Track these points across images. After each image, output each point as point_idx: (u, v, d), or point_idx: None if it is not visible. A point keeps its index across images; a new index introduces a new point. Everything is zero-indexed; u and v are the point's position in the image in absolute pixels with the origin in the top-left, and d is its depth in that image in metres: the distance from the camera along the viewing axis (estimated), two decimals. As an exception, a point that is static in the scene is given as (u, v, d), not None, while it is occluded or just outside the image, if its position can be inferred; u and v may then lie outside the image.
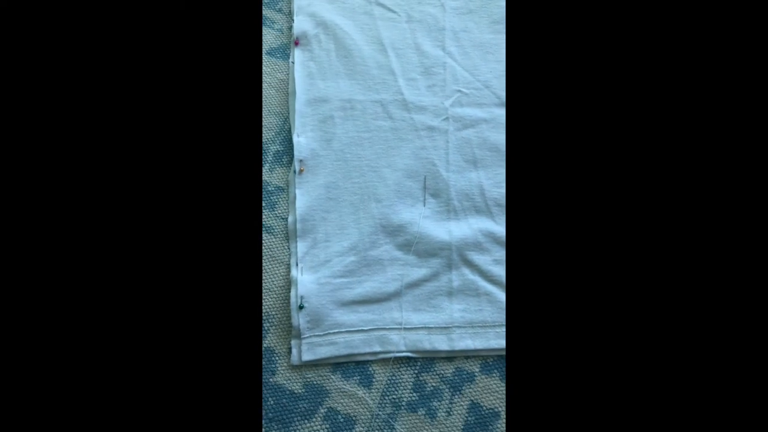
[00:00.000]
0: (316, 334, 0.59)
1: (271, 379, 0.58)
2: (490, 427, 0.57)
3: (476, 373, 0.59)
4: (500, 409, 0.58)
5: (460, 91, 0.72)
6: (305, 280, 0.61)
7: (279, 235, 0.64)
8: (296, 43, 0.74)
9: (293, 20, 0.75)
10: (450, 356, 0.60)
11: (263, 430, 0.56)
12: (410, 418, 0.57)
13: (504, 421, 0.57)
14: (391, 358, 0.59)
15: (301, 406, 0.57)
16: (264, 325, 0.60)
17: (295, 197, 0.65)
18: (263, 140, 0.69)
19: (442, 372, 0.59)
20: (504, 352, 0.60)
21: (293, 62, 0.73)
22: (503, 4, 0.77)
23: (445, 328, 0.60)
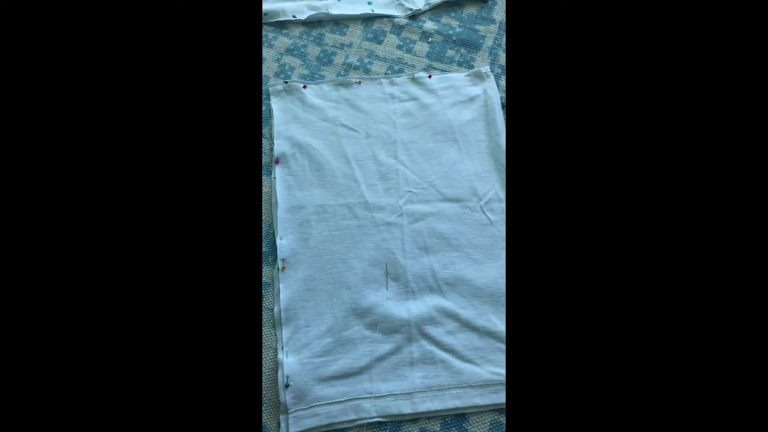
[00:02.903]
0: (301, 408, 0.67)
1: (264, 452, 0.65)
2: (453, 479, 0.64)
3: (437, 431, 0.67)
4: (461, 462, 0.65)
5: (410, 191, 0.86)
6: (290, 362, 0.70)
7: (267, 324, 0.74)
8: (277, 162, 0.88)
9: (274, 143, 0.90)
10: (414, 418, 0.68)
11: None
12: (384, 477, 0.64)
13: (466, 473, 0.64)
14: (364, 423, 0.67)
15: (290, 474, 0.64)
16: (257, 403, 0.68)
17: (279, 291, 0.75)
18: (252, 243, 0.81)
19: (409, 433, 0.67)
20: (459, 411, 0.68)
21: (275, 177, 0.86)
22: (442, 119, 0.93)
23: (408, 393, 0.68)
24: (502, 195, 0.85)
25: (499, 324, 0.73)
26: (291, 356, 0.71)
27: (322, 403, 0.67)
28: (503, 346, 0.72)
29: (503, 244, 0.80)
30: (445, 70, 1.01)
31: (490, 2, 1.13)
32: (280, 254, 0.78)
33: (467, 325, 0.73)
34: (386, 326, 0.73)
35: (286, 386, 0.68)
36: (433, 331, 0.73)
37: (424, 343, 0.72)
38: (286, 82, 0.98)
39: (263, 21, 1.07)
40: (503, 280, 0.77)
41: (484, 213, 0.83)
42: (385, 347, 0.71)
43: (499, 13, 1.11)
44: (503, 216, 0.83)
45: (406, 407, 0.68)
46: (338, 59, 1.03)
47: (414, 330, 0.73)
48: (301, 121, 0.93)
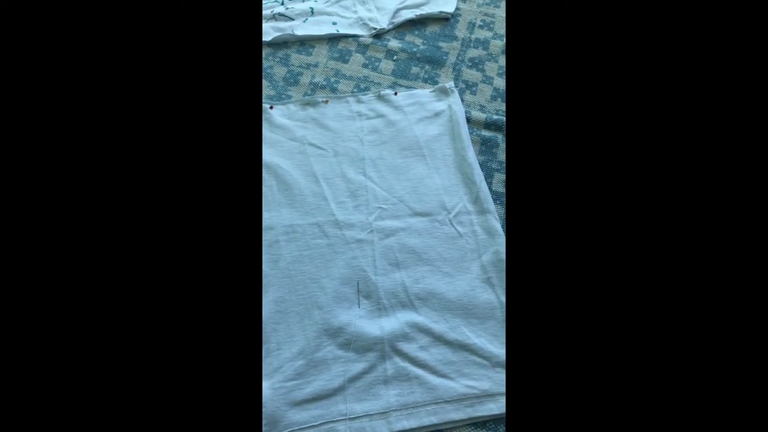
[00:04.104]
0: (273, 435, 0.65)
1: (236, 483, 0.62)
2: (432, 498, 0.63)
3: (415, 450, 0.65)
4: (439, 480, 0.64)
5: (380, 207, 0.85)
6: (261, 387, 0.67)
7: (237, 349, 0.71)
8: (245, 183, 0.86)
9: (241, 165, 0.88)
10: (390, 438, 0.66)
11: None
12: (362, 501, 0.62)
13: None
14: (340, 447, 0.65)
15: (264, 504, 0.61)
16: (228, 432, 0.65)
17: (249, 314, 0.73)
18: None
19: (385, 453, 0.65)
20: (435, 427, 0.66)
21: (243, 199, 0.84)
22: (409, 135, 0.93)
23: (383, 413, 0.67)
24: (470, 207, 0.85)
25: (472, 336, 0.73)
26: (263, 381, 0.68)
27: (296, 428, 0.65)
28: (477, 359, 0.71)
29: (472, 256, 0.80)
30: (411, 87, 1.02)
31: (452, 20, 1.15)
32: (249, 277, 0.76)
33: (440, 340, 0.72)
34: (359, 345, 0.71)
35: (258, 413, 0.65)
36: (407, 347, 0.72)
37: (397, 360, 0.71)
38: (253, 103, 0.96)
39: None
40: (474, 292, 0.76)
41: (453, 226, 0.83)
42: (359, 366, 0.70)
43: (461, 30, 1.13)
44: (471, 228, 0.83)
45: (381, 427, 0.66)
46: (305, 79, 1.03)
47: (387, 347, 0.71)
48: (269, 142, 0.92)
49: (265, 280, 0.77)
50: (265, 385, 0.68)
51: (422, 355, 0.71)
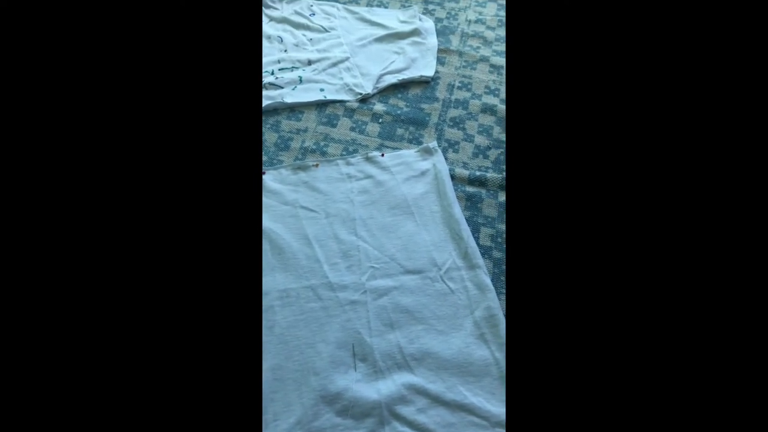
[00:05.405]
0: None
1: None
2: None
3: None
4: None
5: (372, 266, 0.86)
6: (259, 462, 0.65)
7: (234, 422, 0.70)
8: (239, 249, 0.87)
9: (235, 231, 0.89)
10: None
11: None
12: None
13: None
14: None
15: None
16: None
17: (245, 384, 0.72)
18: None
19: None
20: (438, 496, 0.64)
21: (237, 265, 0.85)
22: (397, 194, 0.96)
23: (384, 483, 0.65)
24: (460, 263, 0.86)
25: (469, 396, 0.72)
26: (260, 456, 0.66)
27: (295, 505, 0.63)
28: (476, 420, 0.70)
29: (465, 313, 0.81)
30: (397, 148, 1.06)
31: (432, 83, 1.21)
32: (244, 345, 0.75)
33: (437, 401, 0.71)
34: (357, 411, 0.70)
35: (256, 491, 0.63)
36: (404, 410, 0.70)
37: (396, 424, 0.69)
38: (246, 170, 0.99)
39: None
40: (468, 349, 0.76)
41: (444, 282, 0.84)
42: (358, 434, 0.68)
43: (441, 92, 1.19)
44: (462, 284, 0.84)
45: (382, 499, 0.64)
46: (295, 144, 1.07)
47: (385, 411, 0.70)
48: (262, 207, 0.94)
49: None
50: (263, 459, 0.66)
51: (421, 418, 0.70)
